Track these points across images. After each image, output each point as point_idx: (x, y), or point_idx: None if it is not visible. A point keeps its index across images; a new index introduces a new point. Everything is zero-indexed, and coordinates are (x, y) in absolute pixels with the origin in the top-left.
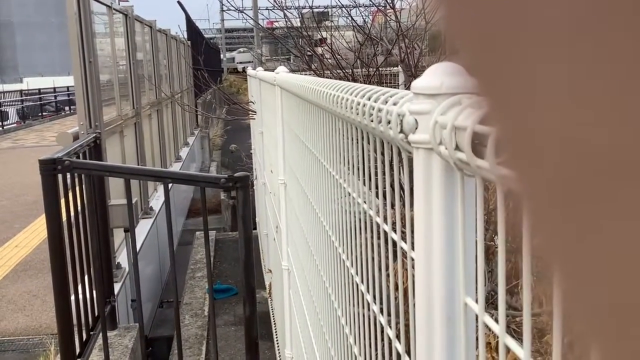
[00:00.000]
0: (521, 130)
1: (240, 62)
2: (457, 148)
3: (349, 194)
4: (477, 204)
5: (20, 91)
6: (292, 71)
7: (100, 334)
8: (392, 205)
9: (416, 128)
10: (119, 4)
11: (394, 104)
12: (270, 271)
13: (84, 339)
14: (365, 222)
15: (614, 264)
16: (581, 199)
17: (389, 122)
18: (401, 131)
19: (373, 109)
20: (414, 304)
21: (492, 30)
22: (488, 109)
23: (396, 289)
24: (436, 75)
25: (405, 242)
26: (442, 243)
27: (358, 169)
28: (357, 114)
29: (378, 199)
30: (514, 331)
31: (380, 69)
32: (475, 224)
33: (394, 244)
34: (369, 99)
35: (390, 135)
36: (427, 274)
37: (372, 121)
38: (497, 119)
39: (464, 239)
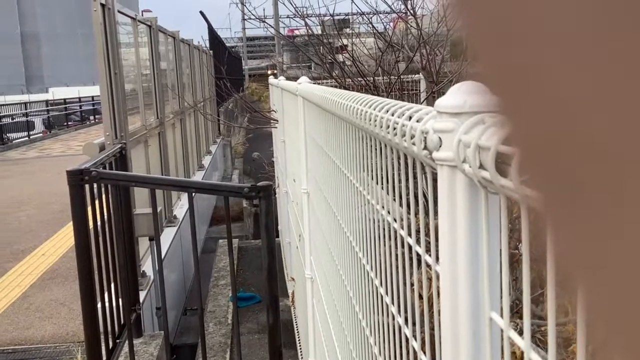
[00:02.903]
0: (540, 142)
1: None
2: (481, 166)
3: (371, 204)
4: (502, 222)
5: (46, 101)
6: (313, 79)
7: (127, 342)
8: (415, 214)
9: (440, 146)
10: (142, 15)
11: (418, 121)
12: (293, 279)
13: (110, 347)
14: (387, 231)
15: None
16: (604, 209)
17: (412, 138)
18: (425, 148)
19: (397, 124)
20: (439, 319)
21: (509, 35)
22: (508, 123)
23: (420, 298)
24: (459, 94)
25: (429, 253)
26: (466, 258)
27: (381, 178)
28: (381, 127)
29: (401, 207)
30: (539, 340)
31: (401, 76)
32: (500, 241)
33: (418, 255)
34: (393, 114)
35: (414, 151)
36: (453, 289)
37: (395, 135)
38: (517, 133)
39: (488, 254)
